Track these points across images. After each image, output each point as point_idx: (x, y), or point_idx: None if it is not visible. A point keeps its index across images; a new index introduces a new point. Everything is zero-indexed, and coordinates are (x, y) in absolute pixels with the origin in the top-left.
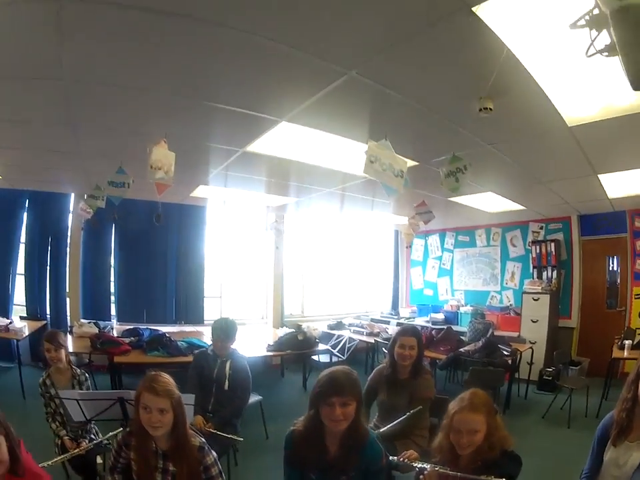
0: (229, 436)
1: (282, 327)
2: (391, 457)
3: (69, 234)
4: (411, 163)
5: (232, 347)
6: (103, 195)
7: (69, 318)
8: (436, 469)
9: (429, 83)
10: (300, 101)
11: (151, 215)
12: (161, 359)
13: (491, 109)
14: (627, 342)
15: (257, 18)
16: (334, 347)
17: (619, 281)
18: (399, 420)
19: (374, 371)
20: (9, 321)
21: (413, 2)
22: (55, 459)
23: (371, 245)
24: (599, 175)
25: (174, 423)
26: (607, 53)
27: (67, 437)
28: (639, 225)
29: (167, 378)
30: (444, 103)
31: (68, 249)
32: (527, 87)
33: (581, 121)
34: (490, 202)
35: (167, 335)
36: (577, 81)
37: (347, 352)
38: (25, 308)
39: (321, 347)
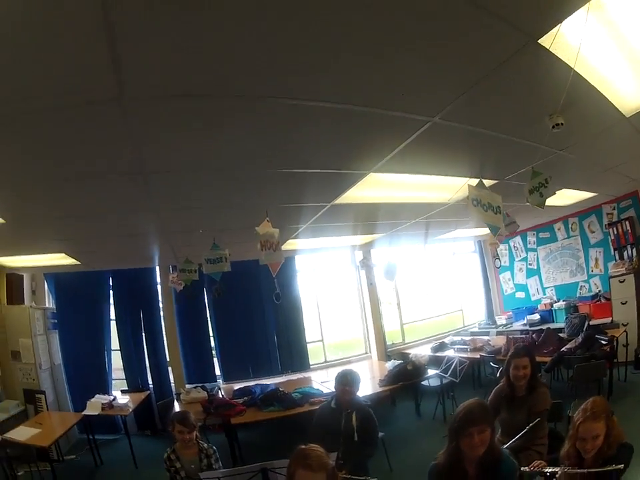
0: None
1: (389, 360)
2: (522, 468)
3: (160, 305)
4: (489, 182)
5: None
6: (194, 267)
7: (173, 385)
8: (566, 470)
9: (505, 113)
10: (386, 152)
11: (243, 273)
12: (278, 413)
13: (562, 123)
14: None
15: (332, 88)
16: (445, 370)
17: None
18: (521, 434)
19: (493, 392)
20: (112, 397)
21: (482, 46)
22: None
23: (456, 260)
24: None
25: None
26: None
27: None
28: None
29: (319, 451)
30: (519, 126)
31: (162, 320)
32: (588, 94)
33: (637, 109)
34: (564, 197)
35: (281, 388)
36: (623, 75)
37: (460, 374)
38: (124, 382)
39: (430, 371)
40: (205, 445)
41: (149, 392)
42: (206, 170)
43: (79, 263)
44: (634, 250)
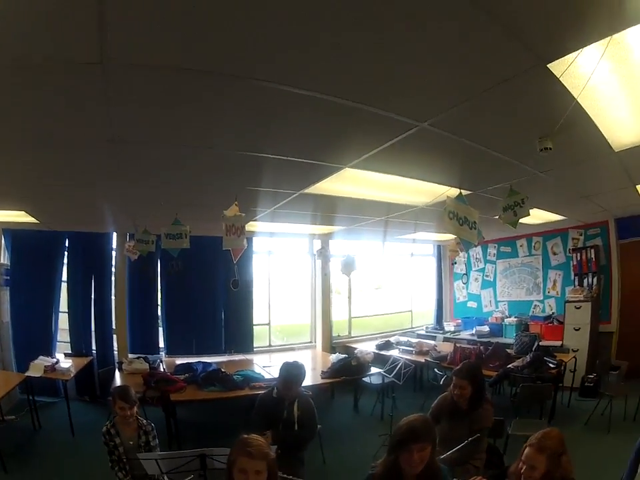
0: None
1: (333, 352)
2: None
3: (112, 272)
4: (463, 192)
5: None
6: (152, 239)
7: (116, 354)
8: None
9: (496, 129)
10: (367, 150)
11: (199, 249)
12: (218, 394)
13: (550, 148)
14: None
15: (321, 77)
16: (389, 371)
17: None
18: (459, 447)
19: (438, 399)
20: (55, 360)
21: (489, 60)
22: None
23: (412, 262)
24: (637, 186)
25: None
26: None
27: None
28: None
29: (260, 440)
30: (507, 144)
31: (113, 285)
32: (583, 124)
33: (626, 146)
34: (533, 216)
35: (223, 369)
36: (623, 111)
37: (403, 377)
38: (68, 345)
39: (373, 369)
40: (144, 422)
41: (91, 358)
42: (178, 145)
43: (38, 222)
44: (595, 279)
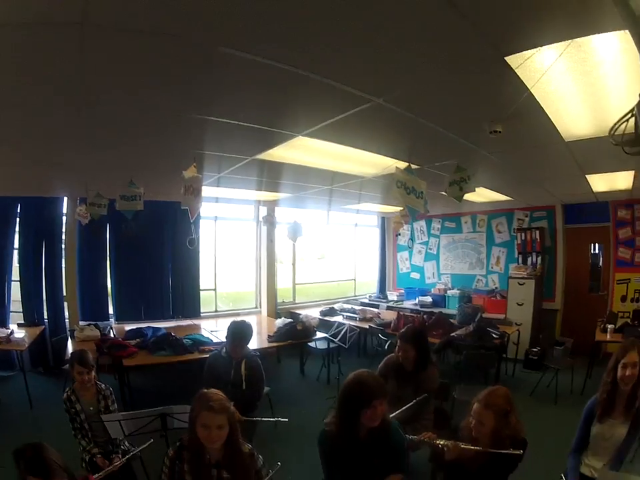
0: (274, 419)
1: (279, 318)
2: (410, 437)
3: (63, 237)
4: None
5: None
6: (104, 202)
7: (67, 321)
8: (457, 444)
9: (449, 110)
10: (320, 120)
11: (147, 215)
12: (169, 358)
13: (500, 131)
14: (610, 326)
15: (279, 46)
16: (334, 335)
17: (601, 267)
18: (407, 407)
19: (385, 359)
20: (9, 331)
21: (447, 48)
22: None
23: (356, 233)
24: (586, 175)
25: (229, 435)
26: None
27: (99, 456)
28: (622, 216)
29: (220, 395)
30: (458, 124)
31: (63, 252)
32: (535, 114)
33: (577, 137)
34: (479, 194)
35: (172, 334)
36: (576, 105)
37: (349, 341)
38: (21, 315)
39: (319, 334)
40: (103, 386)
41: (43, 327)
42: (144, 108)
43: None
44: (539, 258)
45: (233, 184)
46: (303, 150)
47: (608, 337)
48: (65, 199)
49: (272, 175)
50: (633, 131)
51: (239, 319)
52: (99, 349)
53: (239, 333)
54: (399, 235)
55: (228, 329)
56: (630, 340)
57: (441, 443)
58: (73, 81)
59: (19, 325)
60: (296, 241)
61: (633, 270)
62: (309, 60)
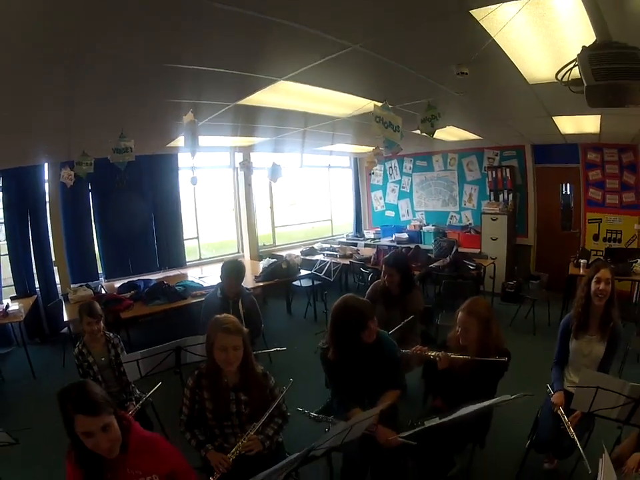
0: (275, 349)
1: (263, 259)
2: (403, 351)
3: (47, 204)
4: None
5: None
6: (90, 161)
7: (58, 287)
8: (449, 355)
9: (419, 54)
10: (300, 66)
11: (127, 170)
12: (164, 306)
13: (467, 73)
14: (582, 261)
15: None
16: (319, 271)
17: (572, 206)
18: (396, 329)
19: (372, 285)
20: (4, 305)
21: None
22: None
23: (330, 174)
24: (552, 117)
25: (244, 357)
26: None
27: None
28: (592, 158)
29: (233, 317)
30: (428, 66)
31: (49, 219)
32: (499, 59)
33: (540, 80)
34: (450, 133)
35: (165, 282)
36: (537, 52)
37: (334, 274)
38: (12, 289)
39: (303, 272)
40: (110, 335)
41: (36, 296)
42: (118, 58)
43: None
44: (510, 195)
45: (212, 131)
46: (283, 94)
47: (581, 271)
48: (46, 165)
49: (251, 120)
50: (578, 76)
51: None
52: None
53: (234, 270)
54: (372, 173)
55: (222, 268)
56: (602, 260)
57: (432, 354)
58: (45, 33)
59: (12, 299)
60: (276, 182)
61: (604, 210)
62: (289, 9)
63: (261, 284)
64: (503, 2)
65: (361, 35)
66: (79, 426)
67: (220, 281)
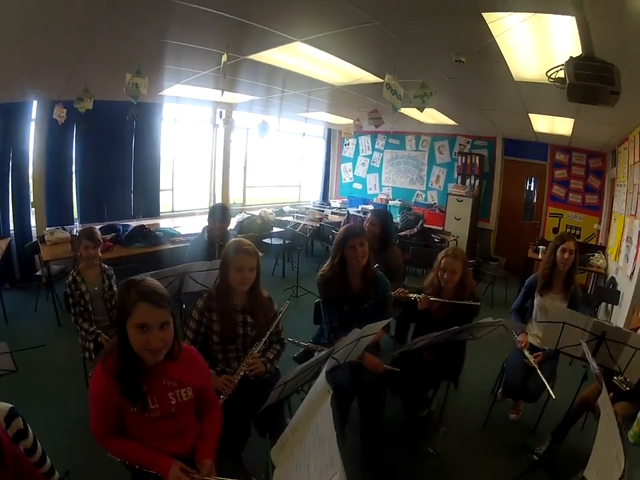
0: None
1: (238, 214)
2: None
3: (31, 144)
4: (374, 78)
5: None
6: (90, 96)
7: (33, 230)
8: (428, 297)
9: (429, 41)
10: (324, 30)
11: (107, 115)
12: (144, 249)
13: (463, 61)
14: (542, 247)
15: None
16: (294, 227)
17: (535, 199)
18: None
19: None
20: None
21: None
22: None
23: (304, 142)
24: (529, 114)
25: (255, 279)
26: (560, 85)
27: (103, 335)
28: (560, 159)
29: (249, 241)
30: (434, 52)
31: (31, 159)
32: (494, 55)
33: (524, 79)
34: (429, 115)
35: (146, 226)
36: (529, 56)
37: (309, 232)
38: None
39: (276, 229)
40: (105, 266)
41: (10, 239)
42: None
43: None
44: (477, 181)
45: (202, 82)
46: (295, 55)
47: (539, 256)
48: (35, 102)
49: (250, 76)
50: (563, 76)
51: (195, 218)
52: (74, 246)
53: (222, 210)
54: (347, 144)
55: (210, 210)
56: (567, 232)
57: (413, 296)
58: None
59: None
60: (264, 138)
61: (565, 207)
62: None
63: (239, 236)
64: (513, 12)
65: (384, 13)
66: (139, 316)
67: (207, 224)
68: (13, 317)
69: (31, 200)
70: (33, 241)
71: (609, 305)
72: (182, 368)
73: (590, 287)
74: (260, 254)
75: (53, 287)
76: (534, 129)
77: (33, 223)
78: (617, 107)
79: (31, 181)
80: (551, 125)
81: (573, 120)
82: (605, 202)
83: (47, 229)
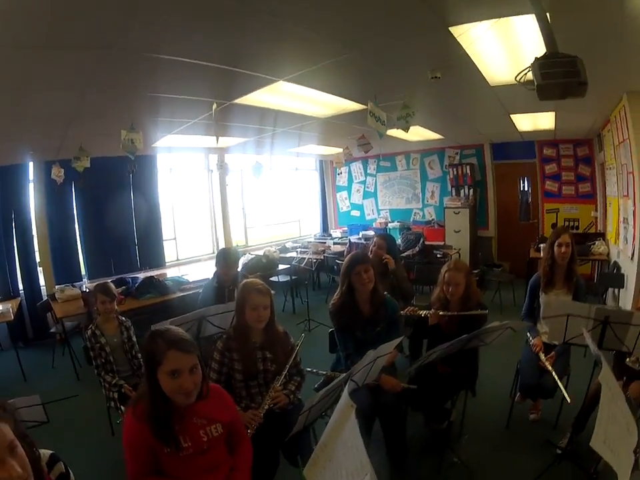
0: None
1: (242, 256)
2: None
3: (32, 204)
4: (357, 106)
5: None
6: (87, 154)
7: (42, 288)
8: (439, 312)
9: (402, 63)
10: (304, 67)
11: (106, 171)
12: (155, 299)
13: (439, 77)
14: (542, 245)
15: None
16: (299, 262)
17: (530, 198)
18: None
19: None
20: None
21: (404, 16)
22: None
23: (298, 177)
24: (510, 115)
25: (270, 317)
26: (530, 87)
27: (126, 385)
28: (548, 153)
29: (260, 280)
30: (410, 74)
31: (33, 220)
32: (467, 65)
33: (499, 83)
34: (415, 133)
35: (155, 276)
36: (500, 60)
37: (314, 265)
38: None
39: (281, 267)
40: (123, 318)
41: (20, 298)
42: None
43: None
44: (471, 190)
45: (193, 130)
46: (279, 94)
47: (541, 254)
48: (31, 164)
49: (238, 119)
50: (531, 78)
51: (202, 265)
52: (87, 302)
53: (230, 254)
54: (340, 174)
55: (218, 255)
56: (562, 226)
57: (423, 312)
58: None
59: None
60: (259, 178)
61: (560, 201)
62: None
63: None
64: (478, 21)
65: (356, 43)
66: (170, 363)
67: (215, 269)
68: (30, 374)
69: (38, 260)
70: (44, 299)
71: (616, 290)
72: (210, 405)
73: (595, 276)
74: (272, 291)
75: (69, 342)
76: (518, 128)
77: (41, 281)
78: (591, 92)
79: (35, 241)
80: (534, 121)
81: (554, 113)
82: (597, 188)
83: (57, 286)
